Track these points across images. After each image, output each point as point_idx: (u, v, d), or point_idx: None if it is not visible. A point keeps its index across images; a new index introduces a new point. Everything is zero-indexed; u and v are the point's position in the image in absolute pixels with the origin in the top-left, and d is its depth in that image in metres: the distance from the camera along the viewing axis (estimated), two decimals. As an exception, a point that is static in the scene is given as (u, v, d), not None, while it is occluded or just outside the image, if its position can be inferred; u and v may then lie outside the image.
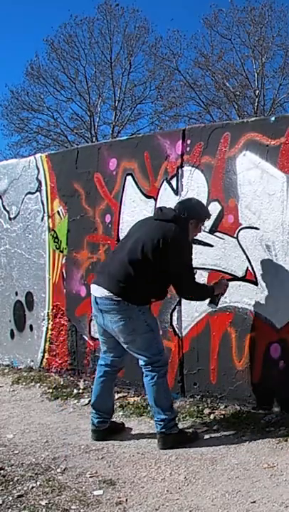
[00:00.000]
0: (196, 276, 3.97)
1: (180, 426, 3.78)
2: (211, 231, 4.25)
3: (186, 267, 3.67)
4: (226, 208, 4.18)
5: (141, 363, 3.68)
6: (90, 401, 4.53)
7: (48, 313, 5.46)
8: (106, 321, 3.67)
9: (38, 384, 5.13)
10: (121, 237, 4.77)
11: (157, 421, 3.65)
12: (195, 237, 3.98)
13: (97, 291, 3.67)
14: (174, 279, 3.67)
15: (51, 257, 5.45)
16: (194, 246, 4.26)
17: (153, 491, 2.99)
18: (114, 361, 3.83)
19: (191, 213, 3.70)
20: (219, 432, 3.80)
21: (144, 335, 3.61)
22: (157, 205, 4.53)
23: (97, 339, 4.93)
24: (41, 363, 5.54)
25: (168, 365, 3.78)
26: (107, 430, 3.83)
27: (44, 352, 5.50)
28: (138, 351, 3.65)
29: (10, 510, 2.80)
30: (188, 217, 3.67)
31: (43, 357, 5.52)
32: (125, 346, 3.68)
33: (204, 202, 4.25)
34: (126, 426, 4.00)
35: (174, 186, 4.46)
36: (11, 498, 2.91)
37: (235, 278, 4.13)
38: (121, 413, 4.26)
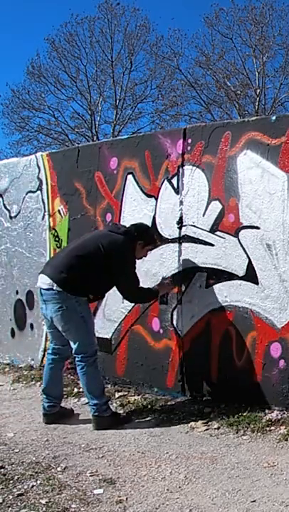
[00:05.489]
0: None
1: (181, 425, 3.83)
2: (212, 230, 4.24)
3: (128, 274, 4.05)
4: (226, 207, 4.18)
5: (73, 351, 4.04)
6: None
7: (48, 312, 5.46)
8: (48, 311, 4.02)
9: (39, 383, 5.12)
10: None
11: (91, 405, 4.02)
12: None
13: (41, 281, 4.03)
14: (117, 284, 4.10)
15: (52, 255, 5.45)
16: (195, 245, 4.29)
17: (153, 489, 2.99)
18: (59, 349, 4.19)
19: (140, 235, 4.15)
20: (219, 431, 3.81)
21: (78, 325, 3.96)
22: (158, 204, 4.54)
23: (98, 338, 4.95)
24: (42, 361, 5.53)
25: (96, 355, 4.08)
26: (57, 414, 4.18)
27: (44, 351, 5.48)
28: (72, 340, 4.02)
29: (10, 508, 2.80)
30: (137, 237, 4.11)
31: (44, 356, 5.50)
32: (64, 335, 4.05)
33: (205, 201, 4.27)
34: (125, 424, 4.02)
35: (175, 185, 4.46)
36: (11, 497, 2.91)
37: (235, 277, 4.13)
38: (122, 412, 4.26)
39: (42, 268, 4.23)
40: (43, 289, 4.01)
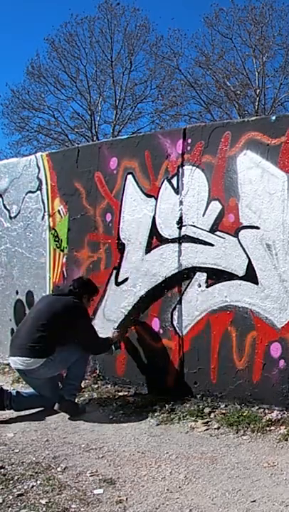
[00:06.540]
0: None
1: (181, 425, 3.82)
2: (212, 230, 4.24)
3: (89, 329, 4.40)
4: (226, 207, 4.18)
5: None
6: (90, 400, 4.54)
7: (48, 312, 5.45)
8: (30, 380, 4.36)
9: (39, 383, 5.12)
10: (121, 236, 4.79)
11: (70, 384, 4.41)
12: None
13: (14, 364, 4.33)
14: (80, 339, 4.33)
15: (52, 256, 5.45)
16: (195, 245, 4.29)
17: (153, 490, 2.99)
18: None
19: (83, 290, 4.48)
20: (219, 431, 3.81)
21: (62, 364, 4.36)
22: (158, 204, 4.54)
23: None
24: (42, 361, 5.53)
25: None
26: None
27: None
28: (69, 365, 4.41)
29: (10, 508, 2.79)
30: (81, 292, 4.44)
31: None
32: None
33: (205, 201, 4.27)
34: (125, 424, 4.01)
35: (175, 185, 4.46)
36: (11, 497, 2.90)
37: (235, 277, 4.13)
38: (121, 412, 4.26)
39: (10, 351, 4.42)
40: (18, 370, 4.36)
